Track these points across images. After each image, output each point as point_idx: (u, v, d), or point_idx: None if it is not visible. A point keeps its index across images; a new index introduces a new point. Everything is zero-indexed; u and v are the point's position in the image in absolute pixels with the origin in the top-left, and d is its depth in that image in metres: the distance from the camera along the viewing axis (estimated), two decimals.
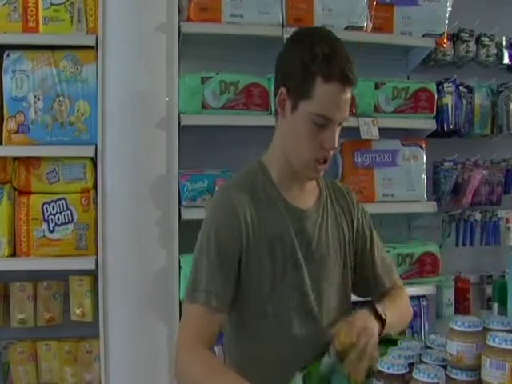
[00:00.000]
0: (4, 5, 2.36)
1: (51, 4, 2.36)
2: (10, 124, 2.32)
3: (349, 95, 1.41)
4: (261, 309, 1.44)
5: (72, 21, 2.37)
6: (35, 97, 2.33)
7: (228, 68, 2.47)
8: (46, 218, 2.33)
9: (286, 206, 1.48)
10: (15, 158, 2.36)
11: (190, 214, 2.33)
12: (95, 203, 2.32)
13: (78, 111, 2.33)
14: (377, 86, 2.65)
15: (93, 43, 2.33)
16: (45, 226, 2.33)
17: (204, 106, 2.39)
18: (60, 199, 2.33)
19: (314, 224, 1.51)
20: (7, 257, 2.32)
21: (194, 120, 2.39)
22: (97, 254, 2.31)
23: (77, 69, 2.35)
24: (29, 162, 2.35)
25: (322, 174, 1.50)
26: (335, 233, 1.54)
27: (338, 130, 1.42)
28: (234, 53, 2.59)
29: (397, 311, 1.51)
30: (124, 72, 2.33)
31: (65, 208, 2.32)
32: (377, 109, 2.66)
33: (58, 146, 2.32)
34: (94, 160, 2.33)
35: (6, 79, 2.34)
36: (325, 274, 1.50)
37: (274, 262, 1.43)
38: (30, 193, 2.36)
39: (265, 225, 1.44)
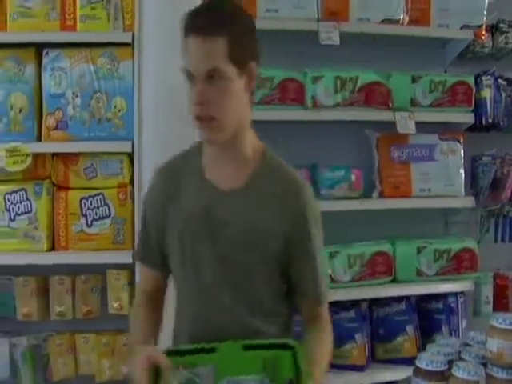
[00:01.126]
0: (43, 4, 2.40)
1: (88, 2, 2.39)
2: (48, 121, 2.36)
3: (207, 45, 1.34)
4: (176, 278, 1.57)
5: (109, 18, 2.39)
6: (73, 94, 2.37)
7: (263, 63, 2.46)
8: (84, 212, 2.36)
9: (204, 185, 1.50)
10: (54, 154, 2.40)
11: None
12: (132, 198, 2.35)
13: (114, 107, 2.36)
14: (414, 80, 2.62)
15: (129, 40, 2.36)
16: (83, 220, 2.37)
17: None
18: (97, 194, 2.36)
19: (230, 206, 1.47)
20: (46, 251, 2.36)
21: None
22: (133, 248, 2.33)
23: (114, 65, 2.38)
24: (67, 157, 2.39)
25: (210, 135, 1.42)
26: (256, 219, 1.45)
27: (209, 84, 1.36)
28: (269, 48, 2.57)
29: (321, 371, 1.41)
30: (159, 68, 2.34)
31: (102, 203, 2.35)
32: (414, 103, 2.63)
33: (96, 141, 2.35)
34: (130, 155, 2.36)
35: (44, 77, 2.38)
36: (232, 258, 1.47)
37: (182, 239, 1.49)
38: (68, 188, 2.40)
39: (182, 202, 1.50)
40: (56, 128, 2.36)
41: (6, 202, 2.35)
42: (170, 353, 1.34)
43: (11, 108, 2.37)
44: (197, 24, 1.35)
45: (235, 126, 1.43)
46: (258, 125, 2.54)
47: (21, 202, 2.35)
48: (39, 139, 2.37)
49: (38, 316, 2.42)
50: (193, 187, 1.50)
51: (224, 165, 1.50)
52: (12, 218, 2.36)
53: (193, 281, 1.50)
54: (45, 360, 2.47)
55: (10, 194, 2.36)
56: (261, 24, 2.46)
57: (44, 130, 2.37)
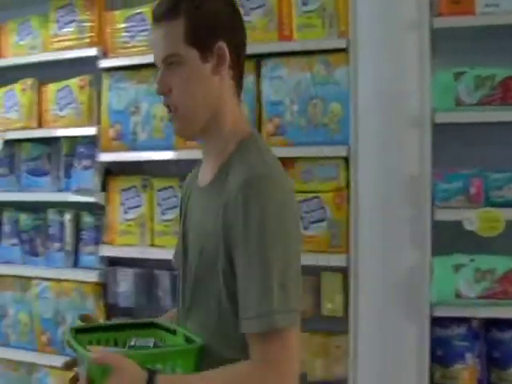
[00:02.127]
0: (262, 17, 2.52)
1: (304, 12, 2.47)
2: (268, 127, 2.48)
3: (162, 30, 1.27)
4: None
5: (324, 26, 2.45)
6: (291, 101, 2.46)
7: (482, 61, 2.36)
8: (301, 215, 2.43)
9: (191, 181, 1.46)
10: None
11: (443, 215, 2.26)
12: (348, 202, 2.37)
13: (331, 112, 2.41)
14: None
15: (344, 46, 2.39)
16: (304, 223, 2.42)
17: (458, 102, 2.31)
18: (314, 197, 2.42)
19: (196, 203, 1.36)
20: None
21: (448, 117, 2.31)
22: (348, 251, 2.35)
23: (329, 72, 2.43)
24: (284, 162, 2.42)
25: (177, 127, 1.33)
26: (206, 220, 1.28)
27: (169, 72, 1.27)
28: (489, 45, 2.45)
29: None
30: (375, 72, 2.33)
31: (319, 206, 2.41)
32: None
33: (312, 146, 2.42)
34: (346, 160, 2.39)
35: (263, 85, 2.50)
36: (188, 259, 1.34)
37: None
38: None
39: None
40: (275, 134, 2.46)
41: None
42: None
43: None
44: (154, 12, 1.29)
45: (205, 115, 1.29)
46: (477, 127, 2.45)
47: None
48: None
49: None
50: (191, 187, 1.46)
51: (206, 159, 1.38)
52: None
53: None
54: None
55: None
56: (480, 20, 2.38)
57: (264, 136, 2.48)
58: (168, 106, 1.32)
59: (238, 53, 1.31)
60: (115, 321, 1.40)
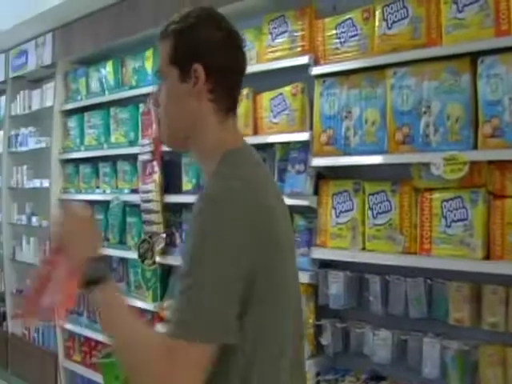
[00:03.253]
0: (476, 13, 2.40)
1: None
2: (485, 128, 2.35)
3: (160, 48, 1.40)
4: None
5: None
6: (510, 100, 2.30)
7: None
8: None
9: None
10: (490, 162, 2.38)
11: None
12: None
13: None
14: None
15: None
16: None
17: None
18: None
19: None
20: (481, 259, 2.35)
21: None
22: None
23: None
24: (503, 165, 2.34)
25: (161, 135, 1.47)
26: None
27: (162, 86, 1.41)
28: None
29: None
30: None
31: None
32: None
33: None
34: None
35: (480, 84, 2.38)
36: None
37: None
38: (504, 197, 2.34)
39: None
40: (492, 136, 2.33)
41: (442, 209, 2.44)
42: None
43: (448, 118, 2.44)
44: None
45: (180, 129, 1.39)
46: None
47: (457, 210, 2.40)
48: (475, 147, 2.38)
49: (469, 322, 2.43)
50: None
51: (201, 168, 1.51)
52: (448, 224, 2.43)
53: None
54: (473, 367, 2.46)
55: (447, 201, 2.43)
56: None
57: (480, 138, 2.36)
58: None
59: (220, 76, 1.36)
60: None
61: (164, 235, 3.77)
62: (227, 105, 1.40)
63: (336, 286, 2.79)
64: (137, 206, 4.03)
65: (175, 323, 1.19)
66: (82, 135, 4.67)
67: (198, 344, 1.16)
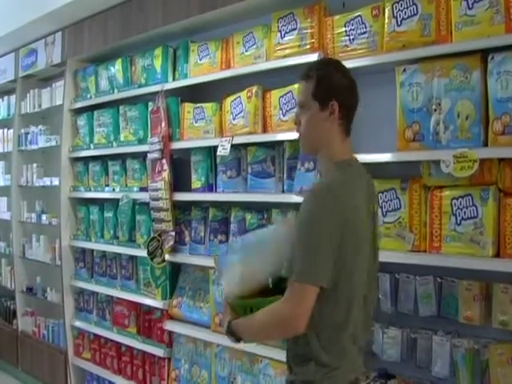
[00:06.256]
0: (486, 10, 2.39)
1: None
2: (495, 126, 2.34)
3: (301, 85, 2.06)
4: None
5: None
6: None
7: None
8: None
9: None
10: (500, 160, 2.37)
11: None
12: None
13: None
14: None
15: None
16: None
17: None
18: None
19: None
20: (491, 257, 2.34)
21: None
22: None
23: None
24: None
25: (300, 144, 2.12)
26: None
27: (301, 111, 2.03)
28: None
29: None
30: None
31: None
32: None
33: None
34: None
35: (490, 82, 2.36)
36: None
37: None
38: None
39: None
40: (503, 133, 2.31)
41: (452, 207, 2.43)
42: None
43: (458, 115, 2.43)
44: (301, 73, 2.04)
45: (315, 142, 2.03)
46: None
47: (467, 207, 2.39)
48: (485, 144, 2.37)
49: (479, 321, 2.43)
50: None
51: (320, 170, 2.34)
52: (458, 222, 2.42)
53: None
54: (483, 366, 2.45)
55: (457, 199, 2.42)
56: None
57: (490, 135, 2.35)
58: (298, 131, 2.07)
59: (347, 110, 1.98)
60: None
61: (173, 233, 3.77)
62: (348, 129, 2.00)
63: None
64: (146, 204, 4.05)
65: (297, 273, 1.81)
66: (91, 133, 4.69)
67: (311, 286, 1.81)
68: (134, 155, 4.27)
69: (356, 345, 1.97)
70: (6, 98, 5.92)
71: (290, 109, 3.08)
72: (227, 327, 2.01)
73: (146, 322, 4.13)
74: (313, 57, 2.92)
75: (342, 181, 1.92)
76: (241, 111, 3.36)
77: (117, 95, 4.36)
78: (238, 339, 2.00)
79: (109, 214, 4.50)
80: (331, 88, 1.95)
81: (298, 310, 1.81)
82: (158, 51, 3.96)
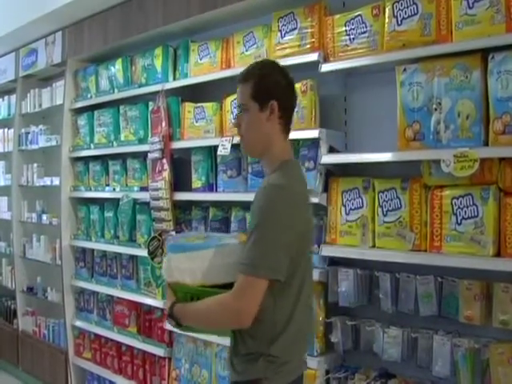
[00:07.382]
0: (487, 10, 2.38)
1: None
2: (496, 125, 2.33)
3: (239, 88, 2.04)
4: None
5: None
6: None
7: None
8: None
9: None
10: (501, 159, 2.36)
11: None
12: None
13: None
14: None
15: None
16: None
17: None
18: None
19: None
20: (492, 257, 2.34)
21: None
22: None
23: None
24: None
25: (242, 147, 2.10)
26: None
27: (242, 114, 2.03)
28: None
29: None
30: None
31: None
32: None
33: None
34: None
35: (491, 81, 2.36)
36: None
37: None
38: None
39: None
40: (503, 132, 2.31)
41: (453, 206, 2.43)
42: None
43: (458, 115, 2.43)
44: (238, 76, 2.05)
45: (258, 144, 2.03)
46: None
47: (467, 207, 2.39)
48: (486, 144, 2.37)
49: (480, 320, 2.43)
50: None
51: (265, 171, 2.12)
52: (458, 221, 2.42)
53: None
54: (484, 365, 2.45)
55: (458, 198, 2.42)
56: None
57: (491, 135, 2.35)
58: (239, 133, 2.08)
59: (286, 109, 2.01)
60: None
61: (174, 233, 3.77)
62: (287, 129, 2.05)
63: (346, 284, 2.79)
64: (146, 203, 4.04)
65: (246, 265, 1.81)
66: (91, 133, 4.68)
67: (260, 279, 1.80)
68: (134, 155, 4.26)
69: (304, 339, 2.04)
70: (6, 97, 5.92)
71: None
72: (169, 309, 2.01)
73: (147, 321, 4.14)
74: (313, 56, 2.93)
75: (290, 177, 1.96)
76: None
77: (117, 95, 4.36)
78: (178, 324, 2.00)
79: (109, 214, 4.50)
80: (270, 88, 1.97)
81: (244, 304, 1.81)
82: (159, 51, 3.96)
